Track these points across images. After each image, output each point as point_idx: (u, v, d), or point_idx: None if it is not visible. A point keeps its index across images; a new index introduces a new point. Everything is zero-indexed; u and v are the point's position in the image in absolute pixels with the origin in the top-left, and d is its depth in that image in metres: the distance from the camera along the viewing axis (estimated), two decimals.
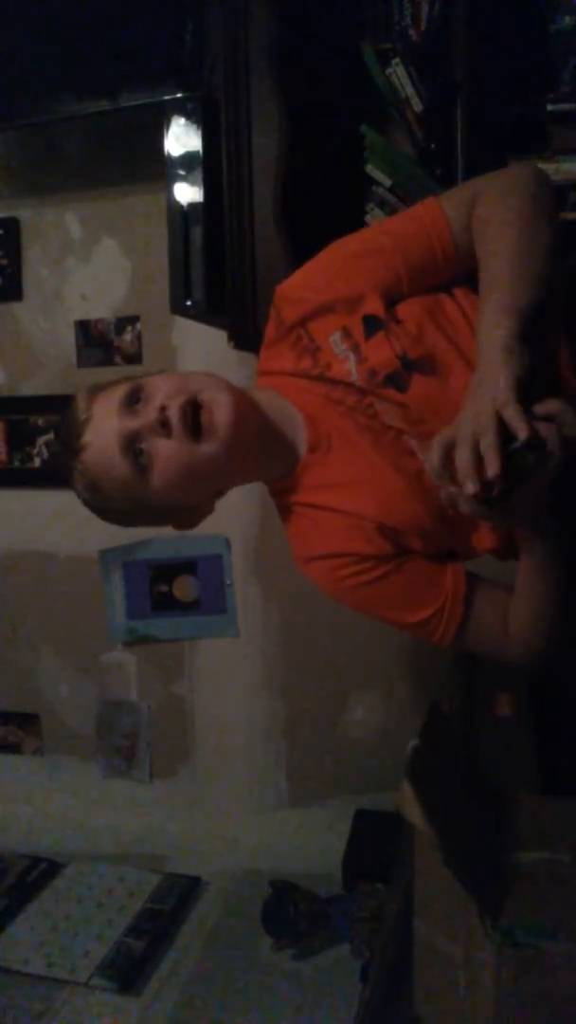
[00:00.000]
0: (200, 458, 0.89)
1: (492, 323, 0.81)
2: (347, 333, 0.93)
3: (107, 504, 0.95)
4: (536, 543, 0.87)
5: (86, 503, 0.97)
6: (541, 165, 1.30)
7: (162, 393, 0.89)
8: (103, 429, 0.89)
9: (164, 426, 0.87)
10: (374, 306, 0.92)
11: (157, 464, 0.89)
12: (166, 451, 0.88)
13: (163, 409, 0.87)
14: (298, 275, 0.99)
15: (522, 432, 0.72)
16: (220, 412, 0.88)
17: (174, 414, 0.87)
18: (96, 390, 0.93)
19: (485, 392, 0.76)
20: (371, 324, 0.92)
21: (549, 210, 0.88)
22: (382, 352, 0.91)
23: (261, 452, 0.95)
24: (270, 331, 1.01)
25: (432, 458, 0.78)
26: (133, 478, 0.90)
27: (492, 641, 0.96)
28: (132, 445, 0.89)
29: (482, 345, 0.81)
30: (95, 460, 0.90)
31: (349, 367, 0.93)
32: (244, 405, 0.92)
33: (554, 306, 0.85)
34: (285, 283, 0.99)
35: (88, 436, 0.90)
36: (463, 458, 0.74)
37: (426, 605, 0.94)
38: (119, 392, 0.90)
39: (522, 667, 0.99)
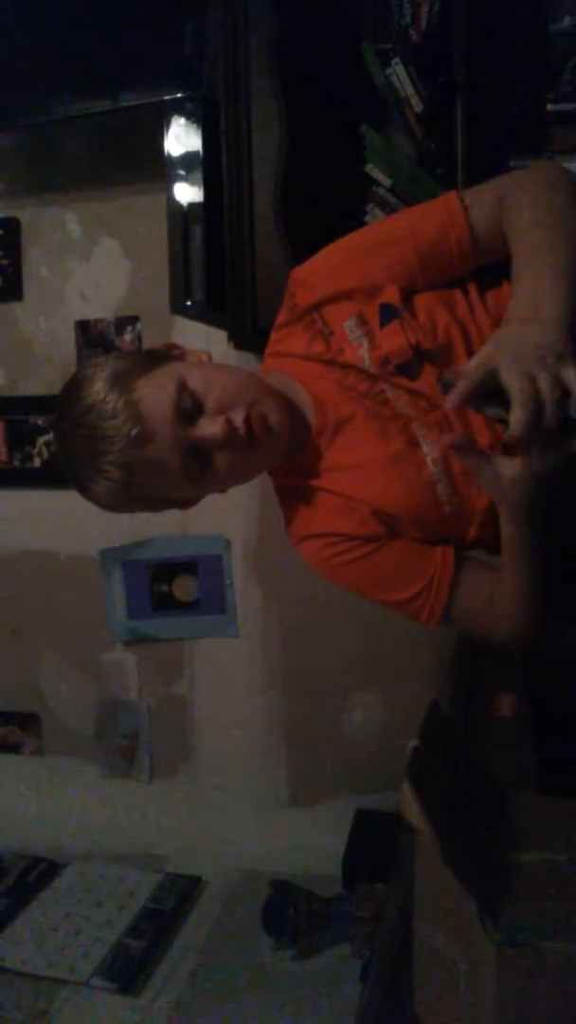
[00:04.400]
0: (259, 463, 0.96)
1: (533, 295, 0.79)
2: (362, 320, 0.95)
3: (138, 494, 0.92)
4: (523, 519, 0.86)
5: (110, 490, 0.91)
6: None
7: (217, 402, 0.89)
8: (161, 432, 0.87)
9: (229, 438, 0.89)
10: (391, 295, 0.93)
11: (219, 471, 0.92)
12: (231, 460, 0.91)
13: (228, 422, 0.88)
14: (314, 261, 1.00)
15: None
16: (273, 418, 0.91)
17: (241, 429, 0.89)
18: (119, 378, 0.88)
19: (537, 342, 0.73)
20: (387, 312, 0.93)
21: None
22: (396, 341, 0.92)
23: None
24: (282, 315, 1.02)
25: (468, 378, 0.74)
26: (189, 479, 0.92)
27: (479, 621, 0.97)
28: (195, 452, 0.90)
29: (526, 311, 0.78)
30: (147, 459, 0.88)
31: (362, 353, 0.94)
32: (287, 404, 0.94)
33: None
34: (300, 268, 1.00)
35: (138, 432, 0.86)
36: (546, 384, 0.70)
37: (413, 583, 0.95)
38: (168, 393, 0.88)
39: (510, 647, 0.99)
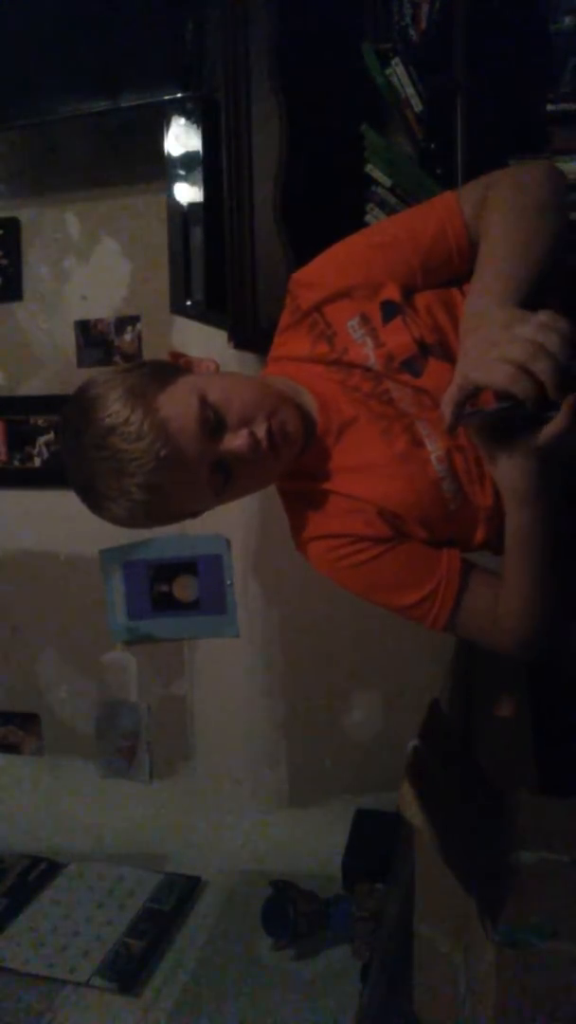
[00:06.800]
0: (277, 471, 0.96)
1: (484, 289, 0.81)
2: (365, 319, 0.95)
3: (160, 511, 0.91)
4: (526, 500, 0.85)
5: (132, 511, 0.89)
6: None
7: (238, 415, 0.89)
8: (188, 450, 0.86)
9: (254, 451, 0.89)
10: (392, 292, 0.93)
11: (242, 482, 0.93)
12: (253, 471, 0.92)
13: (251, 435, 0.89)
14: (314, 263, 1.00)
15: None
16: (291, 426, 0.92)
17: (264, 442, 0.89)
18: (138, 396, 0.86)
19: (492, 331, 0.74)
20: (389, 309, 0.93)
21: (557, 203, 0.88)
22: (400, 337, 0.92)
23: None
24: (285, 317, 1.02)
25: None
26: (214, 493, 0.92)
27: (485, 628, 0.96)
28: (220, 467, 0.90)
29: (474, 305, 0.80)
30: (175, 478, 0.87)
31: (367, 351, 0.94)
32: (299, 410, 0.95)
33: (550, 297, 0.84)
34: (300, 271, 1.01)
35: (167, 453, 0.85)
36: (544, 367, 0.69)
37: (419, 587, 0.95)
38: (193, 410, 0.87)
39: (514, 655, 0.98)
